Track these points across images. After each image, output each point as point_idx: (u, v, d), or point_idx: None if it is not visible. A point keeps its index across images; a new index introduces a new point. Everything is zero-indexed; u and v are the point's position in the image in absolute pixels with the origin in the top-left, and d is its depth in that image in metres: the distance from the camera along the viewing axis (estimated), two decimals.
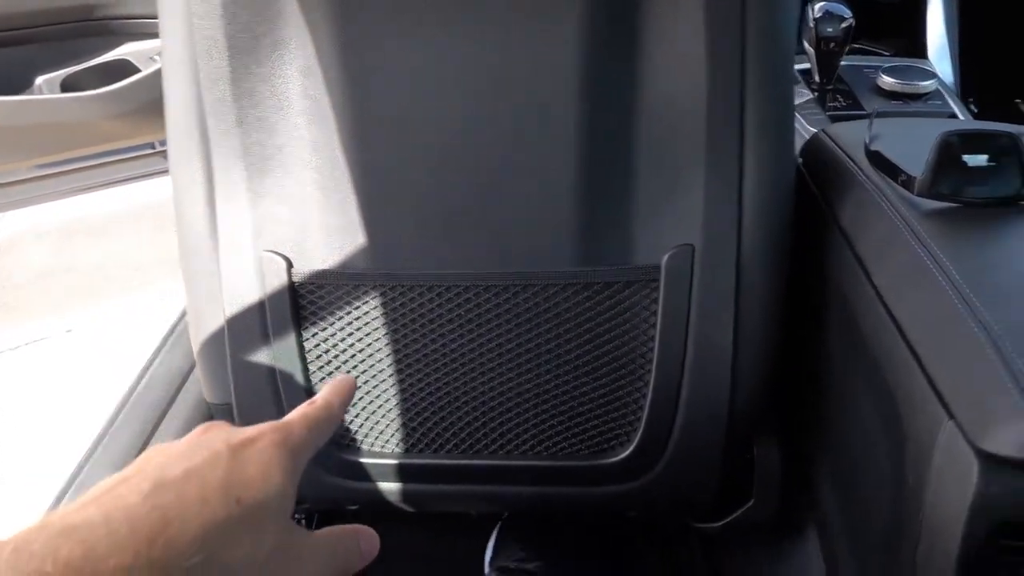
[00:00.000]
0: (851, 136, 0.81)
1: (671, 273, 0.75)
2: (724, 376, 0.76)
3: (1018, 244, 0.62)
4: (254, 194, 0.77)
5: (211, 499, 0.30)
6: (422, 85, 0.72)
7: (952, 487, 0.52)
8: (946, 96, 1.04)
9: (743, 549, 0.92)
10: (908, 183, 0.67)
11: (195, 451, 0.33)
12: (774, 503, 0.82)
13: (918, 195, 0.66)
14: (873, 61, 1.13)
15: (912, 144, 0.69)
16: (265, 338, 0.80)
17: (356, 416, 0.83)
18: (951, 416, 0.53)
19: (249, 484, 0.32)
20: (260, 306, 0.80)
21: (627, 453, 0.80)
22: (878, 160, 0.73)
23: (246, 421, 0.83)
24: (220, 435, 0.34)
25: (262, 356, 0.81)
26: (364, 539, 0.38)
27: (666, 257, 0.75)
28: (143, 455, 0.33)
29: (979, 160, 0.66)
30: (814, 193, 0.81)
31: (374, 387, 0.82)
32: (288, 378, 0.81)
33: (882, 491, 0.63)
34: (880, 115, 0.83)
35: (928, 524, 0.54)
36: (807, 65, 1.09)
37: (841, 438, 0.74)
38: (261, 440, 0.34)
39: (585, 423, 0.80)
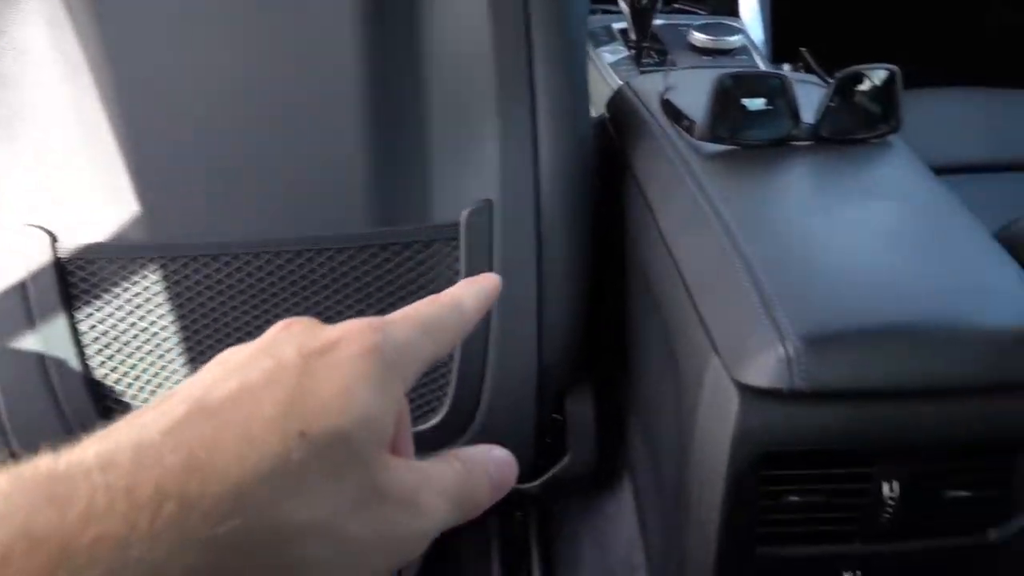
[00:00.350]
0: (651, 88, 0.81)
1: (471, 230, 0.73)
2: (530, 332, 0.75)
3: (787, 183, 0.64)
4: (2, 160, 0.69)
5: (261, 434, 0.21)
6: (191, 39, 0.66)
7: (716, 422, 0.52)
8: (753, 52, 1.06)
9: (562, 506, 0.92)
10: (690, 128, 0.68)
11: (256, 360, 0.24)
12: (590, 458, 0.82)
13: (699, 139, 0.67)
14: (687, 19, 1.15)
15: (703, 94, 0.70)
16: (31, 322, 0.72)
17: (144, 402, 0.76)
18: (716, 351, 0.54)
19: (321, 410, 0.23)
20: (22, 287, 0.71)
21: (438, 419, 0.78)
22: (668, 108, 0.73)
23: (16, 417, 0.74)
24: (296, 335, 0.26)
25: (29, 342, 0.73)
26: (496, 465, 0.28)
27: (465, 214, 0.72)
28: (217, 357, 0.25)
29: (757, 104, 0.67)
30: (616, 145, 0.81)
31: (162, 368, 0.75)
32: (61, 365, 0.73)
33: (671, 436, 0.63)
34: (679, 68, 0.83)
35: (696, 460, 0.55)
36: (624, 24, 1.10)
37: (645, 387, 0.74)
38: (347, 344, 0.25)
39: None
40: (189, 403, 0.22)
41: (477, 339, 0.75)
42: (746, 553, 0.55)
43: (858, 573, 0.58)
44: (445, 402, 0.78)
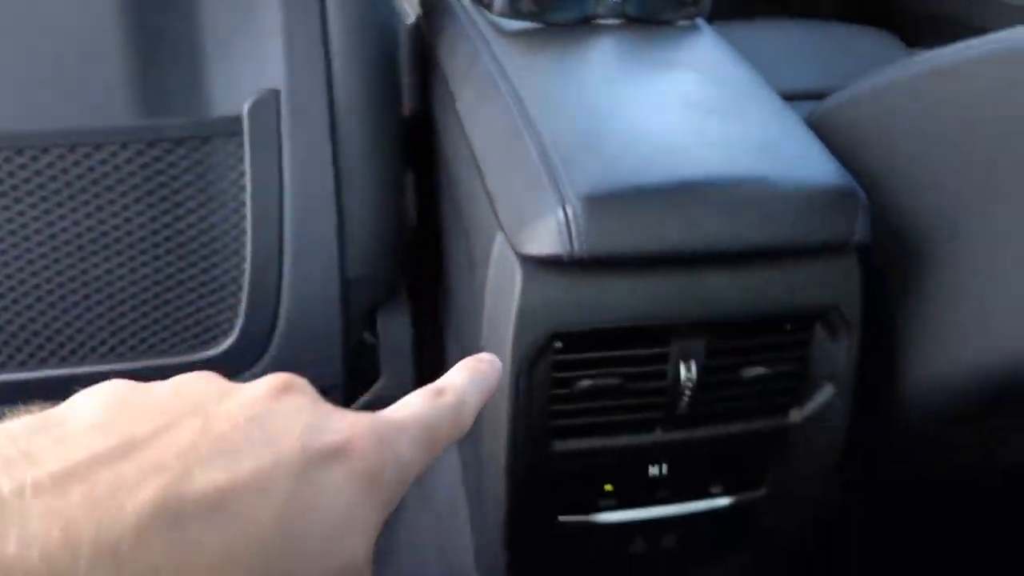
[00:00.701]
0: None
1: (256, 123, 0.64)
2: (329, 238, 0.68)
3: (588, 59, 0.60)
4: None
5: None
6: None
7: (502, 301, 0.48)
8: None
9: None
10: (489, 4, 0.62)
11: (251, 438, 0.19)
12: (406, 379, 0.76)
13: (499, 15, 0.62)
14: None
15: None
16: None
17: None
18: (500, 226, 0.48)
19: (311, 553, 0.19)
20: None
21: (231, 342, 0.69)
22: None
23: None
24: (302, 412, 0.21)
25: None
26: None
27: (248, 105, 0.64)
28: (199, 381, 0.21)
29: None
30: (428, 42, 0.74)
31: None
32: None
33: (473, 336, 0.58)
34: None
35: (485, 348, 0.50)
36: None
37: (455, 296, 0.69)
38: (354, 454, 0.21)
39: (175, 313, 0.68)
40: (164, 485, 0.17)
41: (270, 249, 0.67)
42: (541, 448, 0.51)
43: (664, 465, 0.55)
44: (236, 323, 0.69)
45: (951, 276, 0.49)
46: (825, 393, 0.54)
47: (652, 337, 0.49)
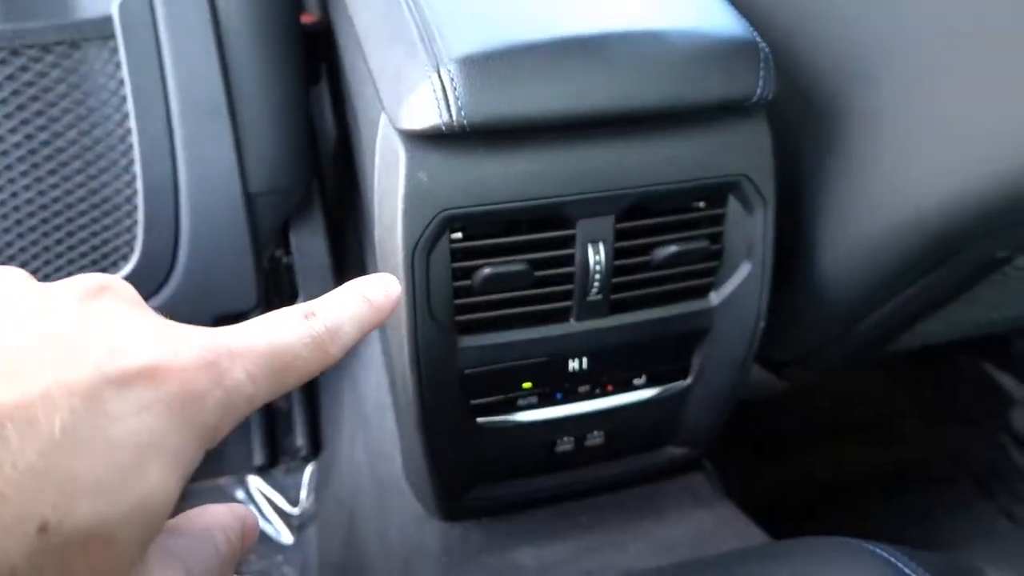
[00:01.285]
0: None
1: (128, 25, 0.59)
2: (226, 152, 0.63)
3: None
4: None
5: None
6: None
7: (390, 186, 0.44)
8: None
9: None
10: None
11: (32, 345, 0.18)
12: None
13: None
14: None
15: None
16: None
17: None
18: (382, 104, 0.45)
19: (86, 490, 0.17)
20: None
21: (132, 266, 0.65)
22: None
23: None
24: (103, 327, 0.20)
25: None
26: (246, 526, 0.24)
27: (116, 4, 0.59)
28: None
29: None
30: None
31: None
32: None
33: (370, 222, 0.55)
34: None
35: (380, 241, 0.47)
36: None
37: (359, 195, 0.65)
38: (166, 377, 0.19)
39: (67, 239, 0.64)
40: None
41: (159, 162, 0.62)
42: (447, 344, 0.48)
43: (583, 359, 0.53)
44: (135, 246, 0.65)
45: (862, 130, 0.46)
46: (743, 272, 0.51)
47: (555, 219, 0.46)
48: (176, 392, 0.19)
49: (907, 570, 0.35)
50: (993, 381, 0.98)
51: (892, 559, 0.36)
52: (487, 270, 0.46)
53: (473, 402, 0.52)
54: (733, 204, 0.50)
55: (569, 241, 0.47)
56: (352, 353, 0.81)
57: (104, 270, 0.66)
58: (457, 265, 0.46)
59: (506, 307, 0.49)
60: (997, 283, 0.60)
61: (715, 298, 0.53)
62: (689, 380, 0.56)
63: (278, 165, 0.67)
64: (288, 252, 0.73)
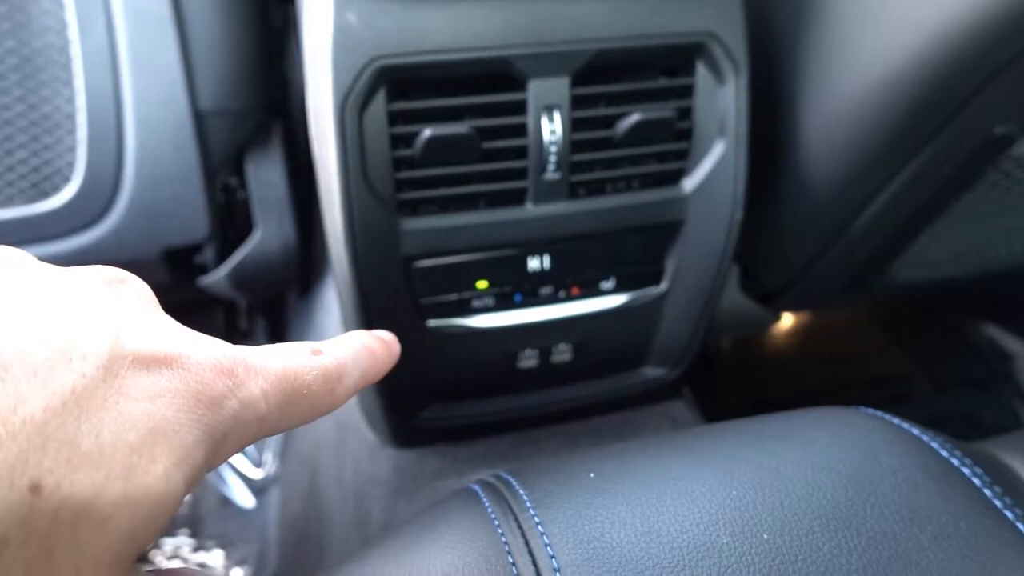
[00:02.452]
0: None
1: None
2: (172, 64, 0.60)
3: None
4: None
5: None
6: None
7: (320, 27, 0.40)
8: None
9: (282, 301, 0.78)
10: None
11: (50, 321, 0.17)
12: (284, 232, 0.68)
13: None
14: None
15: None
16: None
17: None
18: None
19: (89, 461, 0.16)
20: None
21: (75, 189, 0.61)
22: None
23: None
24: (132, 313, 0.20)
25: None
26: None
27: None
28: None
29: None
30: None
31: None
32: None
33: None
34: None
35: (311, 92, 0.43)
36: None
37: None
38: (187, 371, 0.19)
39: (5, 158, 0.60)
40: None
41: (100, 74, 0.59)
42: (388, 225, 0.43)
43: (545, 258, 0.48)
44: (77, 167, 0.61)
45: None
46: (716, 152, 0.47)
47: (503, 80, 0.42)
48: (194, 388, 0.18)
49: (934, 445, 0.30)
50: (1003, 345, 0.92)
51: (919, 434, 0.31)
52: (427, 132, 0.42)
53: (422, 301, 0.47)
54: (703, 74, 0.46)
55: (520, 107, 0.43)
56: (313, 300, 0.77)
57: (46, 193, 0.63)
58: (396, 131, 0.42)
59: (453, 184, 0.44)
60: (1000, 188, 0.56)
61: (688, 185, 0.48)
62: (664, 286, 0.52)
63: (230, 83, 0.64)
64: (244, 184, 0.69)
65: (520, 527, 0.26)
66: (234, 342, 0.22)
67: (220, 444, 0.19)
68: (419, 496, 0.50)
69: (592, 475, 0.28)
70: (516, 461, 0.54)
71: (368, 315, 0.46)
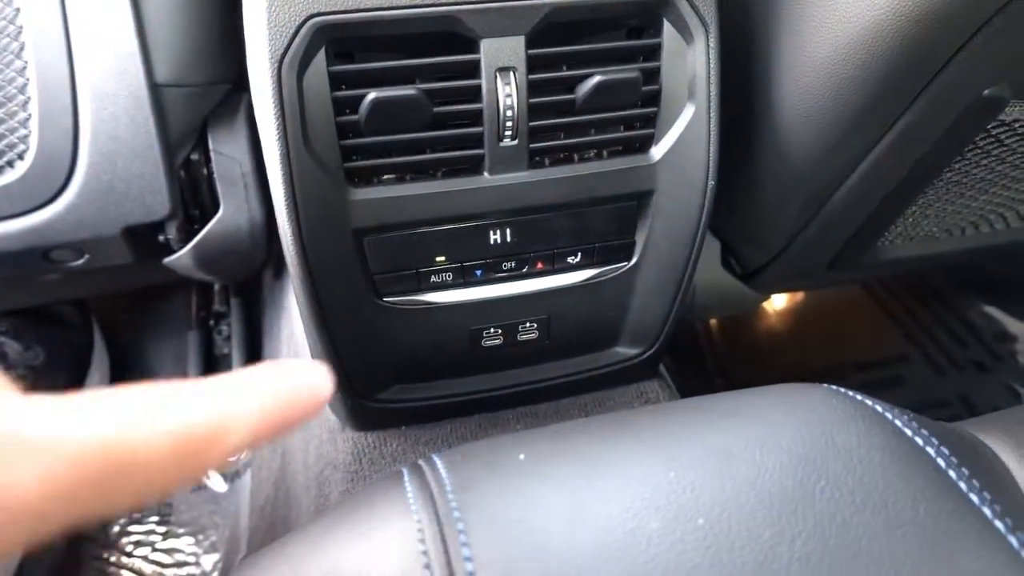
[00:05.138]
0: None
1: None
2: (126, 33, 0.57)
3: None
4: None
5: None
6: None
7: None
8: None
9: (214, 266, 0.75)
10: None
11: None
12: (249, 207, 0.66)
13: None
14: None
15: None
16: None
17: None
18: None
19: None
20: None
21: (28, 165, 0.59)
22: None
23: None
24: None
25: None
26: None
27: None
28: None
29: None
30: None
31: None
32: None
33: None
34: None
35: (249, 55, 0.40)
36: None
37: None
38: None
39: None
40: None
41: (50, 42, 0.57)
42: (333, 196, 0.41)
43: (506, 231, 0.46)
44: (31, 142, 0.59)
45: None
46: (686, 116, 0.44)
47: (453, 40, 0.40)
48: None
49: (898, 423, 0.27)
50: (1002, 325, 0.89)
51: (882, 411, 0.28)
52: (372, 94, 0.39)
53: (376, 276, 0.45)
54: (670, 34, 0.43)
55: (473, 69, 0.40)
56: (286, 282, 0.75)
57: None
58: (340, 94, 0.39)
59: (403, 152, 0.42)
60: (992, 156, 0.53)
61: (657, 152, 0.45)
62: (634, 260, 0.49)
63: (188, 55, 0.61)
64: (208, 159, 0.66)
65: (436, 514, 0.24)
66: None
67: None
68: (377, 480, 0.48)
69: (522, 456, 0.26)
70: None
71: (317, 292, 0.44)
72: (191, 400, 0.17)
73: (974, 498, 0.24)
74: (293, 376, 0.19)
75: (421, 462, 0.28)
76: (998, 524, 0.23)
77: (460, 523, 0.23)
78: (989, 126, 0.49)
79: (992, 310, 0.90)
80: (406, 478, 0.27)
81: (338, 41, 0.38)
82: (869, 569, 0.21)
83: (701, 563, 0.21)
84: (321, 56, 0.38)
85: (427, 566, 0.22)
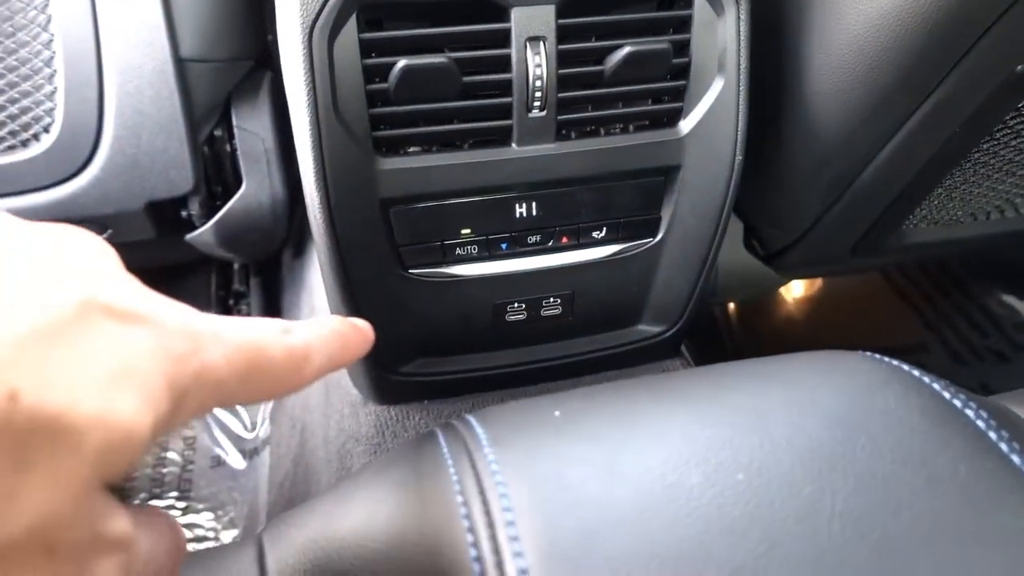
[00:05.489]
0: None
1: None
2: (152, 9, 0.58)
3: None
4: None
5: None
6: None
7: None
8: None
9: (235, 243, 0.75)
10: None
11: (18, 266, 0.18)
12: (270, 184, 0.66)
13: None
14: None
15: None
16: None
17: None
18: None
19: (64, 378, 0.16)
20: None
21: (53, 138, 0.60)
22: None
23: None
24: (95, 272, 0.20)
25: None
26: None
27: None
28: None
29: None
30: None
31: None
32: None
33: None
34: None
35: (279, 22, 0.40)
36: None
37: None
38: (152, 329, 0.19)
39: None
40: None
41: (81, 16, 0.57)
42: (361, 164, 0.41)
43: (532, 204, 0.46)
44: (56, 115, 0.60)
45: None
46: (715, 90, 0.44)
47: (484, 8, 0.40)
48: (159, 345, 0.19)
49: (936, 386, 0.27)
50: (1023, 315, 0.88)
51: (920, 375, 0.28)
52: (402, 63, 0.39)
53: (402, 248, 0.45)
54: (700, 5, 0.42)
55: (503, 38, 0.40)
56: (307, 259, 0.75)
57: (25, 143, 0.61)
58: (370, 62, 0.39)
59: (432, 122, 0.42)
60: (1022, 136, 0.52)
61: (685, 126, 0.45)
62: (659, 235, 0.49)
63: (213, 30, 0.61)
64: (232, 136, 0.67)
65: (474, 467, 0.24)
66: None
67: (182, 400, 0.19)
68: (409, 439, 0.49)
69: (557, 413, 0.26)
70: None
71: (344, 262, 0.44)
72: (295, 330, 0.23)
73: (1015, 459, 0.24)
74: (352, 326, 0.25)
75: (454, 420, 0.28)
76: None
77: (498, 475, 0.23)
78: (1020, 104, 0.48)
79: (1013, 299, 0.90)
80: (440, 436, 0.27)
81: (369, 8, 0.38)
82: (911, 524, 0.21)
83: (741, 517, 0.21)
84: (352, 23, 0.38)
85: (466, 516, 0.22)
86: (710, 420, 0.25)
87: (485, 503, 0.22)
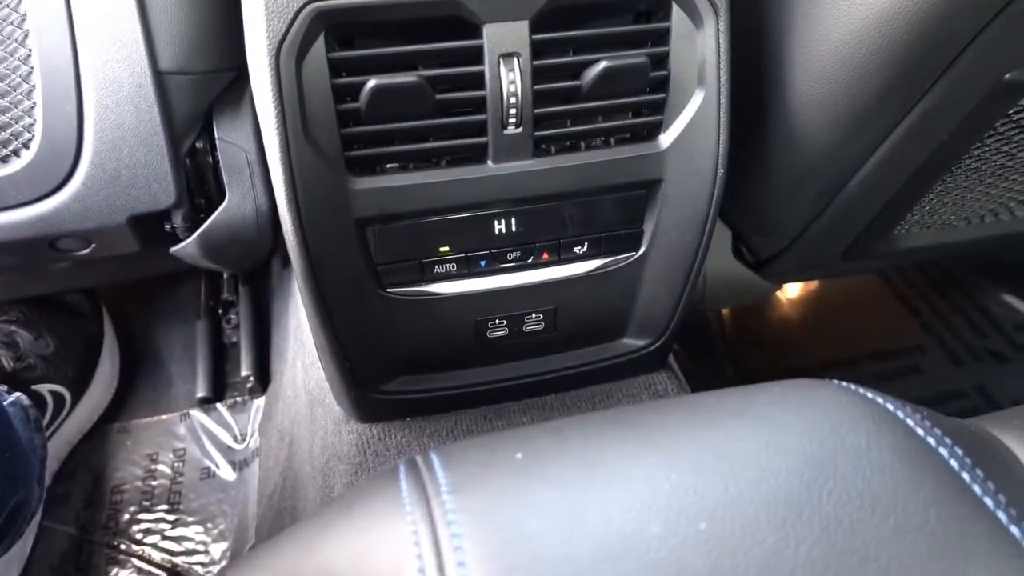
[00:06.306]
0: None
1: None
2: (129, 20, 0.57)
3: None
4: None
5: None
6: None
7: None
8: None
9: (221, 255, 0.74)
10: None
11: None
12: (254, 197, 0.65)
13: None
14: None
15: None
16: None
17: None
18: None
19: None
20: None
21: (32, 155, 0.59)
22: None
23: None
24: None
25: None
26: None
27: None
28: None
29: None
30: None
31: None
32: None
33: None
34: None
35: (248, 40, 0.39)
36: None
37: None
38: None
39: None
40: None
41: (58, 30, 0.56)
42: (334, 185, 0.40)
43: (511, 220, 0.45)
44: (36, 131, 0.59)
45: None
46: (695, 103, 0.43)
47: (456, 24, 0.39)
48: None
49: (910, 422, 0.26)
50: (1021, 315, 0.87)
51: (894, 410, 0.27)
52: (372, 82, 0.38)
53: (379, 266, 0.44)
54: (679, 17, 0.42)
55: (476, 55, 0.39)
56: (292, 275, 0.74)
57: (5, 159, 0.60)
58: (340, 82, 0.39)
59: (406, 140, 0.41)
60: (1013, 142, 0.51)
61: (665, 140, 0.44)
62: (642, 250, 0.48)
63: (192, 43, 0.60)
64: (214, 148, 0.66)
65: (430, 515, 0.23)
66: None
67: None
68: (373, 476, 0.48)
69: (519, 455, 0.25)
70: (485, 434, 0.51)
71: (319, 283, 0.44)
72: None
73: (988, 501, 0.23)
74: None
75: (418, 458, 0.27)
76: (1013, 530, 0.22)
77: (454, 526, 0.23)
78: (1010, 111, 0.47)
79: (1011, 299, 0.89)
80: (402, 476, 0.26)
81: (338, 27, 0.38)
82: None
83: (702, 569, 0.21)
84: (320, 43, 0.37)
85: (421, 570, 0.22)
86: (678, 463, 0.24)
87: (439, 555, 0.22)
